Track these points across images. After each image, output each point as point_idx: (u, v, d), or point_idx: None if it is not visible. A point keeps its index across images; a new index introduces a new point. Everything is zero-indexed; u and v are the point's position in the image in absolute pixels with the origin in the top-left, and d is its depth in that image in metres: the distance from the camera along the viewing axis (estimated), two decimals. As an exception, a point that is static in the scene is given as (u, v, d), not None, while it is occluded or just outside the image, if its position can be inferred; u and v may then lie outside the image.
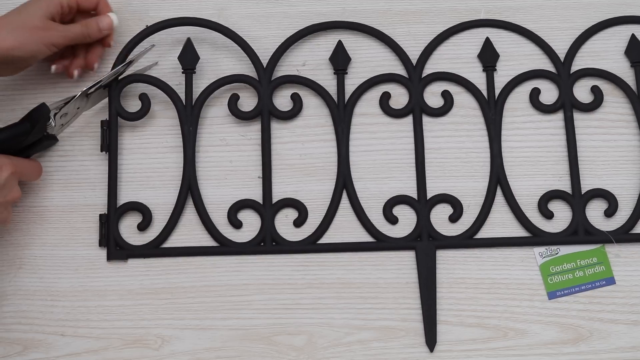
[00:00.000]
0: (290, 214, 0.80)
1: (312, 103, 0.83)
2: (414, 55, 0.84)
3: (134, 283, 0.78)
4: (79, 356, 0.76)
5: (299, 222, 0.79)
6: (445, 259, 0.78)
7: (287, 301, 0.78)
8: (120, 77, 0.81)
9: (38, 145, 0.76)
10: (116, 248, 0.78)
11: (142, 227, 0.79)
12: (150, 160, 0.82)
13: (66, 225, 0.80)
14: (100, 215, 0.79)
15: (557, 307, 0.77)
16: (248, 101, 0.83)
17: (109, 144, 0.80)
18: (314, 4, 0.87)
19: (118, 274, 0.78)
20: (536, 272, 0.78)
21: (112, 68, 0.81)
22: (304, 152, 0.82)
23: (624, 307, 0.77)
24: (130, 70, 0.82)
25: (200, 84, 0.83)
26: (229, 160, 0.82)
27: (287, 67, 0.84)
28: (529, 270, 0.78)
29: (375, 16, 0.86)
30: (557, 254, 0.78)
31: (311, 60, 0.84)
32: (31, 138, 0.74)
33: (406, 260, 0.78)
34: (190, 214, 0.80)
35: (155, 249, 0.78)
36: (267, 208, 0.79)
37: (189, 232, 0.79)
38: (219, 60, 0.85)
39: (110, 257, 0.78)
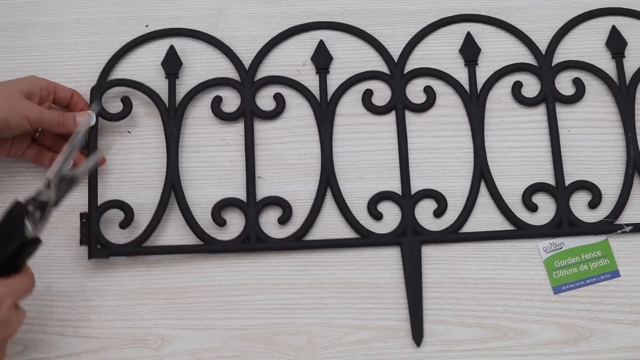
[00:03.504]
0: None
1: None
2: (397, 52, 0.84)
3: (134, 283, 0.78)
4: (79, 356, 0.76)
5: (283, 220, 0.79)
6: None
7: (287, 301, 0.78)
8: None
9: (22, 255, 0.69)
10: (97, 246, 0.78)
11: (124, 224, 0.79)
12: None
13: (66, 225, 0.80)
14: (81, 214, 0.79)
15: (557, 307, 0.77)
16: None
17: (89, 142, 0.80)
18: (314, 4, 0.87)
19: (118, 274, 0.78)
20: (536, 271, 0.78)
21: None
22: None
23: (624, 307, 0.77)
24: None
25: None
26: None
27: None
28: (529, 270, 0.78)
29: (375, 16, 0.86)
30: (561, 248, 0.78)
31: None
32: (13, 243, 0.68)
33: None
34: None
35: (137, 247, 0.78)
36: (251, 206, 0.79)
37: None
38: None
39: (91, 256, 0.78)
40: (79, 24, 0.87)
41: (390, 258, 0.78)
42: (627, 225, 0.78)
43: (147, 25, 0.86)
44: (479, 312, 0.77)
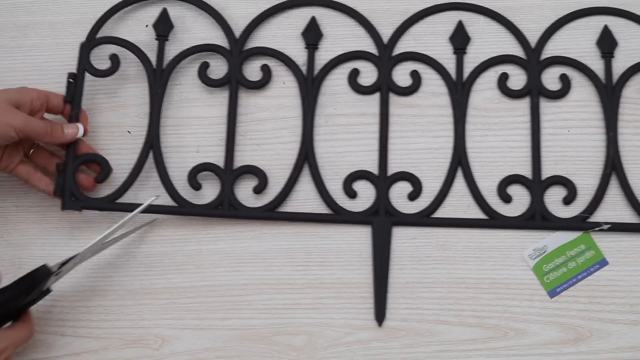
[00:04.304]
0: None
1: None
2: (387, 34, 0.85)
3: (134, 283, 0.78)
4: (79, 356, 0.76)
5: (258, 190, 0.80)
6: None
7: (287, 301, 0.78)
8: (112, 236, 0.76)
9: (30, 303, 0.71)
10: (71, 198, 0.78)
11: (100, 179, 0.79)
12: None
13: (66, 225, 0.80)
14: (57, 164, 0.79)
15: (557, 307, 0.77)
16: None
17: (74, 95, 0.81)
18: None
19: (118, 274, 0.78)
20: (536, 272, 0.78)
21: None
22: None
23: (624, 307, 0.77)
24: (125, 229, 0.77)
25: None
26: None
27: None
28: (529, 270, 0.78)
29: (374, 16, 0.86)
30: (545, 252, 0.78)
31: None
32: (29, 298, 0.70)
33: (405, 260, 0.78)
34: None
35: (110, 203, 0.78)
36: (228, 173, 0.80)
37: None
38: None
39: (64, 207, 0.78)
40: (79, 24, 0.87)
41: (391, 258, 0.78)
42: (606, 223, 0.78)
43: (147, 26, 0.86)
44: (479, 312, 0.77)
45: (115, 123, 0.83)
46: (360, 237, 0.79)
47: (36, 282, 0.69)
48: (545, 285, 0.77)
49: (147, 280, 0.79)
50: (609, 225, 0.78)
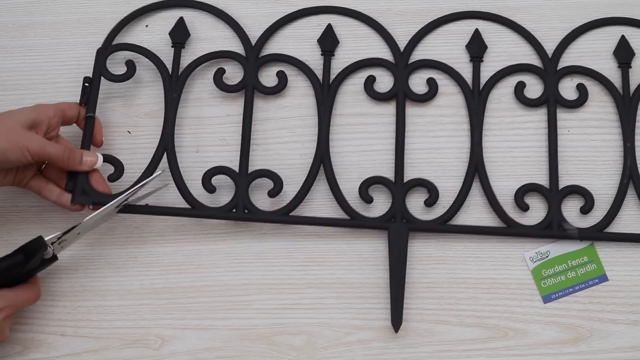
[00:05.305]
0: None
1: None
2: (404, 42, 0.85)
3: (134, 283, 0.78)
4: (79, 356, 0.76)
5: (273, 193, 0.79)
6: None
7: (287, 301, 0.78)
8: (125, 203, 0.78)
9: (36, 270, 0.73)
10: (82, 195, 0.78)
11: (113, 178, 0.79)
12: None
13: (66, 225, 0.80)
14: None
15: (557, 307, 0.77)
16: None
17: (89, 98, 0.81)
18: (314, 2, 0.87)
19: (118, 274, 0.78)
20: (536, 272, 0.78)
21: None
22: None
23: (624, 307, 0.77)
24: (140, 194, 0.78)
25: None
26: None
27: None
28: (529, 270, 0.78)
29: (375, 16, 0.86)
30: (547, 257, 0.78)
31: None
32: (27, 269, 0.71)
33: (406, 260, 0.78)
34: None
35: (126, 206, 0.78)
36: (242, 176, 0.80)
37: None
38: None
39: (74, 201, 0.77)
40: (79, 24, 0.87)
41: (362, 238, 0.79)
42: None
43: (147, 25, 0.86)
44: (479, 312, 0.77)
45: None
46: (361, 237, 0.79)
47: (30, 254, 0.71)
48: (541, 289, 0.77)
49: (147, 280, 0.79)
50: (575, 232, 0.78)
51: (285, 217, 0.79)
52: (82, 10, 0.88)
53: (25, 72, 0.84)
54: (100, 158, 0.78)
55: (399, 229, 0.78)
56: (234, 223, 0.80)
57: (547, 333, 0.76)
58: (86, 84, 0.81)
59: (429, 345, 0.76)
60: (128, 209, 0.78)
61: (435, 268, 0.78)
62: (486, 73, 0.84)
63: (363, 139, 0.83)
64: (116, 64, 0.84)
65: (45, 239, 0.72)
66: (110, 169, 0.80)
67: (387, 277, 0.77)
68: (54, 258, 0.73)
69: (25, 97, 0.83)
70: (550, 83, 0.83)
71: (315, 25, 0.87)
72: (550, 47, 0.84)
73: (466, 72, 0.84)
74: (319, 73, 0.83)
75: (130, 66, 0.83)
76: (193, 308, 0.78)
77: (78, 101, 0.81)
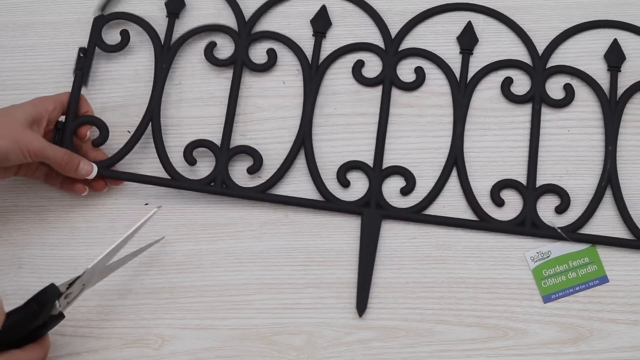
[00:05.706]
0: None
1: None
2: (396, 29, 0.85)
3: (134, 283, 0.78)
4: (79, 356, 0.76)
5: (252, 170, 0.80)
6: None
7: (287, 301, 0.78)
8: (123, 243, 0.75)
9: (45, 328, 0.70)
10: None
11: (98, 142, 0.80)
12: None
13: (66, 225, 0.80)
14: (57, 122, 0.80)
15: (556, 307, 0.77)
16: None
17: (82, 67, 0.82)
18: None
19: (118, 274, 0.78)
20: (536, 271, 0.78)
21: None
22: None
23: (623, 306, 0.77)
24: (134, 249, 0.76)
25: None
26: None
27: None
28: (529, 270, 0.78)
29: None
30: (548, 257, 0.78)
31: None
32: (39, 321, 0.69)
33: (405, 260, 0.78)
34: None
35: (106, 170, 0.79)
36: (224, 151, 0.80)
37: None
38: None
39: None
40: (79, 24, 0.87)
41: (390, 258, 0.78)
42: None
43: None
44: (479, 312, 0.77)
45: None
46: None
47: (44, 303, 0.69)
48: (542, 289, 0.77)
49: (147, 280, 0.79)
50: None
51: (261, 194, 0.79)
52: (82, 10, 0.88)
53: (25, 72, 0.84)
54: (95, 169, 0.79)
55: (372, 215, 0.78)
56: (234, 223, 0.80)
57: (547, 333, 0.76)
58: (81, 55, 0.83)
59: (429, 345, 0.76)
60: (111, 174, 0.79)
61: (435, 268, 0.78)
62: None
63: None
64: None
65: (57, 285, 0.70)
66: (95, 134, 0.81)
67: (387, 277, 0.77)
68: (61, 316, 0.71)
69: (25, 97, 0.82)
70: (537, 81, 0.83)
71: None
72: (539, 45, 0.84)
73: (456, 64, 0.84)
74: (309, 54, 0.84)
75: (125, 36, 0.84)
76: (193, 308, 0.78)
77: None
